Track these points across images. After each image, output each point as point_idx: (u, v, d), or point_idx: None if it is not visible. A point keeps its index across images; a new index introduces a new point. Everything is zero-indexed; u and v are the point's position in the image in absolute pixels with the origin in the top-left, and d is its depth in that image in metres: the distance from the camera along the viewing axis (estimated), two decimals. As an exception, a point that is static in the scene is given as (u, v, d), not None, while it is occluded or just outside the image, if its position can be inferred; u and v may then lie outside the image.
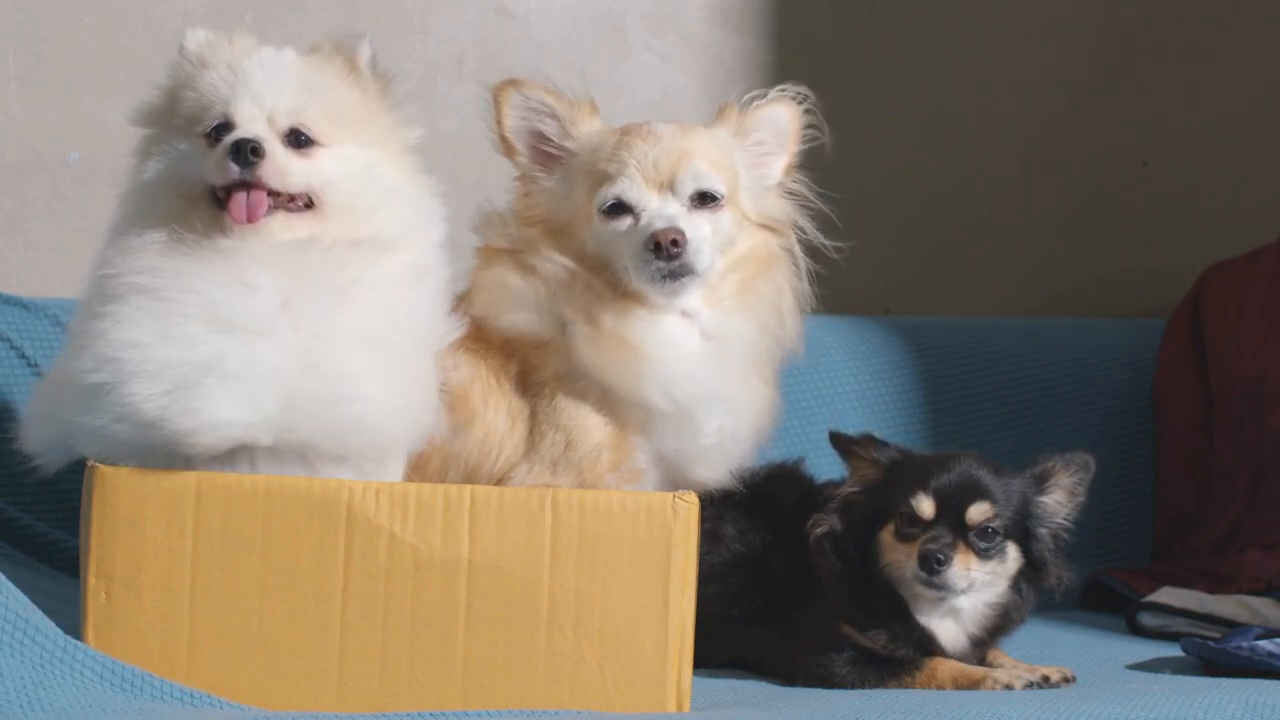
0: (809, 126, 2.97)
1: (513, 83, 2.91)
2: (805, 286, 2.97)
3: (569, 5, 4.43)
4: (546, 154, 2.92)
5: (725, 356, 2.85)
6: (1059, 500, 3.03)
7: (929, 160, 4.71)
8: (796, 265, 2.97)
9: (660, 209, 2.80)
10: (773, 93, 2.96)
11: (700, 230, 2.79)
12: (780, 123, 2.96)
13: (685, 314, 2.85)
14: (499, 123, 2.91)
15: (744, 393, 2.89)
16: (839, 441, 3.09)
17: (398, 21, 4.32)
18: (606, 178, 2.82)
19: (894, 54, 4.67)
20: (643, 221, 2.79)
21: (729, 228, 2.86)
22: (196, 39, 2.77)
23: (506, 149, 2.93)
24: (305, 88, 2.71)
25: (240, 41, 2.76)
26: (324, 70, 2.76)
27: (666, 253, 2.75)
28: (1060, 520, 3.03)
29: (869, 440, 3.07)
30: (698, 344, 2.85)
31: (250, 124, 2.67)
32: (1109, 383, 4.40)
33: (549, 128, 2.91)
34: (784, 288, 2.95)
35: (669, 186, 2.81)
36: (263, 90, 2.68)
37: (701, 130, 2.91)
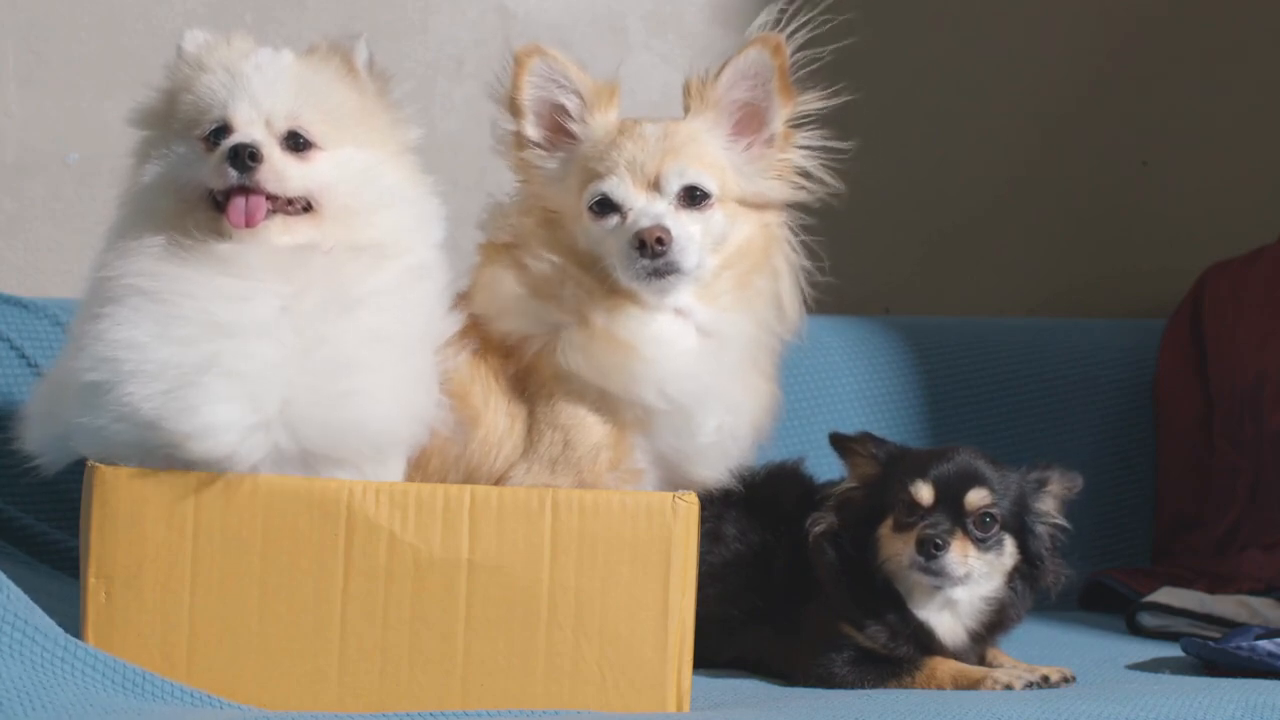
0: (800, 50, 2.86)
1: (539, 49, 2.88)
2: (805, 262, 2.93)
3: (569, 5, 4.43)
4: (560, 128, 2.90)
5: (723, 354, 2.85)
6: (1050, 507, 3.04)
7: (929, 160, 4.71)
8: (795, 233, 2.92)
9: (647, 208, 2.79)
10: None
11: (688, 230, 2.79)
12: (755, 69, 2.88)
13: (679, 312, 2.84)
14: (516, 87, 2.88)
15: (742, 391, 2.88)
16: (838, 442, 3.09)
17: (398, 21, 4.32)
18: (596, 175, 2.82)
19: (894, 54, 4.67)
20: (629, 220, 2.79)
21: (720, 226, 2.84)
22: (195, 40, 2.77)
23: (513, 109, 2.90)
24: (303, 90, 2.71)
25: (238, 43, 2.76)
26: (321, 72, 2.75)
27: (651, 251, 2.74)
28: (1055, 520, 3.03)
29: (867, 438, 3.08)
30: (693, 341, 2.84)
31: (248, 128, 2.67)
32: (1109, 383, 4.40)
33: (571, 103, 2.89)
34: (782, 271, 2.92)
35: (655, 186, 2.81)
36: (260, 93, 2.68)
37: (683, 126, 2.87)
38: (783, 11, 2.87)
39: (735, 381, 2.86)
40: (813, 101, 2.92)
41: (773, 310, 2.92)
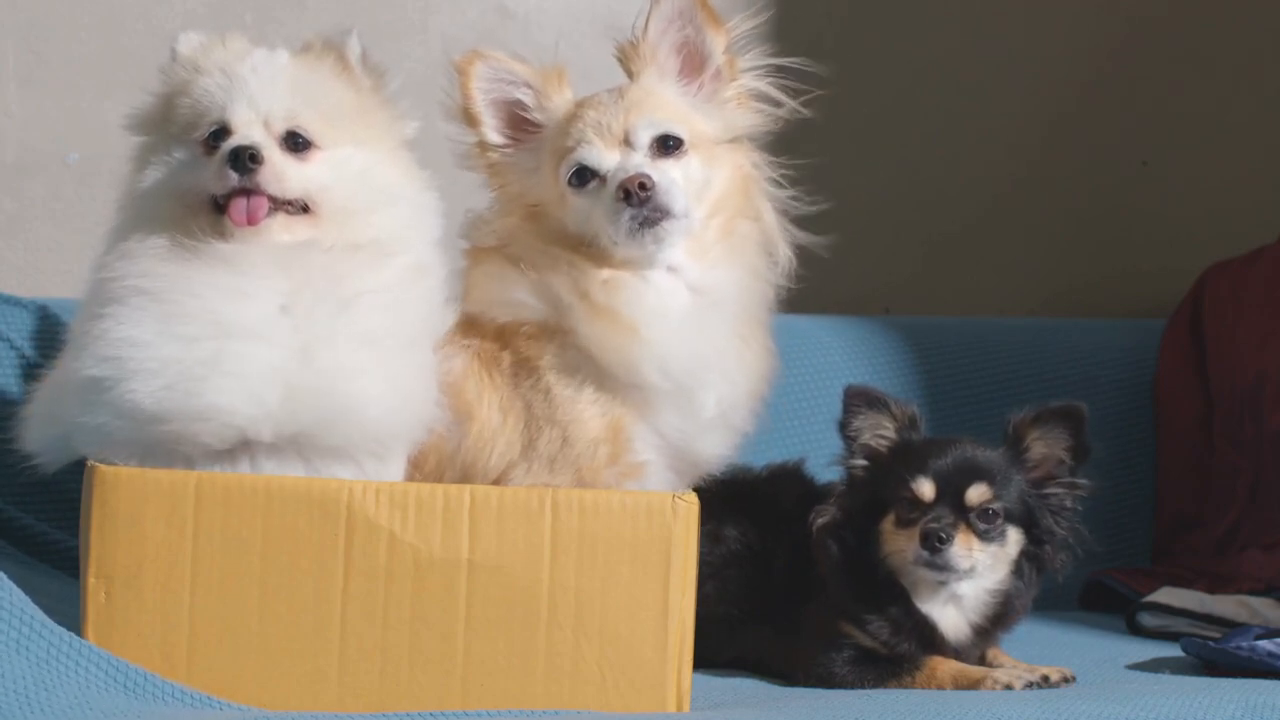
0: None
1: (478, 54, 2.91)
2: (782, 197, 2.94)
3: (569, 5, 4.43)
4: (522, 123, 2.92)
5: (717, 315, 2.85)
6: (1044, 465, 3.01)
7: (929, 160, 4.71)
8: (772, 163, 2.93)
9: (624, 162, 2.81)
10: None
11: (668, 175, 2.80)
12: (677, 9, 2.89)
13: (671, 269, 2.84)
14: (466, 95, 2.90)
15: (737, 355, 2.87)
16: (864, 396, 3.06)
17: (398, 21, 4.32)
18: (567, 149, 2.84)
19: (894, 54, 4.68)
20: (609, 178, 2.81)
21: (700, 172, 2.85)
22: (189, 43, 2.77)
23: (469, 119, 2.92)
24: (300, 89, 2.72)
25: (233, 44, 2.76)
26: (317, 70, 2.76)
27: (636, 198, 2.76)
28: (1055, 477, 3.00)
29: (894, 399, 3.06)
30: (686, 301, 2.84)
31: (247, 129, 2.67)
32: (1109, 383, 4.39)
33: (525, 96, 2.91)
34: (764, 211, 2.94)
35: (626, 142, 2.82)
36: (258, 94, 2.68)
37: (636, 86, 2.89)
38: None
39: (731, 344, 2.86)
40: (744, 23, 2.93)
41: (763, 256, 2.93)
